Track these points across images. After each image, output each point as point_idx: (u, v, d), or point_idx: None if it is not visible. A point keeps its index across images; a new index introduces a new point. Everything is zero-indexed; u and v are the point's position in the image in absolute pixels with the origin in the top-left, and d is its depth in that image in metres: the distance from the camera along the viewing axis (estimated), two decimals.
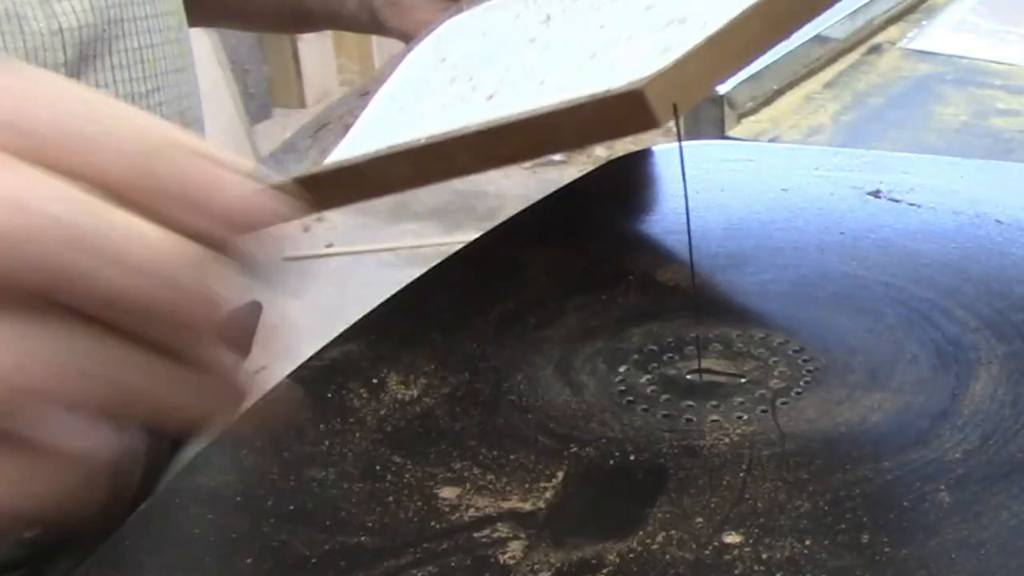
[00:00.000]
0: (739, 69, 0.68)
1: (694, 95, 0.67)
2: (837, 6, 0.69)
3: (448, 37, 0.92)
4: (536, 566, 0.57)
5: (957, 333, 0.69)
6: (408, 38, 0.94)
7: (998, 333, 0.69)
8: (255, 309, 0.59)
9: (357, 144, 0.77)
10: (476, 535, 0.59)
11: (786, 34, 0.68)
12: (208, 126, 1.03)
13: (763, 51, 0.68)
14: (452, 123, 0.72)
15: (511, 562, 0.58)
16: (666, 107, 0.64)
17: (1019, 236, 0.76)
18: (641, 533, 0.59)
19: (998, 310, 0.70)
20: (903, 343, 0.69)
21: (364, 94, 0.87)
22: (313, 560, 0.58)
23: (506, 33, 0.85)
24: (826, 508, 0.59)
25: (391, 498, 0.62)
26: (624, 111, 0.65)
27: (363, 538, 0.60)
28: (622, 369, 0.70)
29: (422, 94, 0.81)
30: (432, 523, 0.60)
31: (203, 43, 3.08)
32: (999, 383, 0.66)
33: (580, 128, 0.67)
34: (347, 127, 0.80)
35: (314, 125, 0.86)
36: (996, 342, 0.68)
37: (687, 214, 0.72)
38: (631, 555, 0.58)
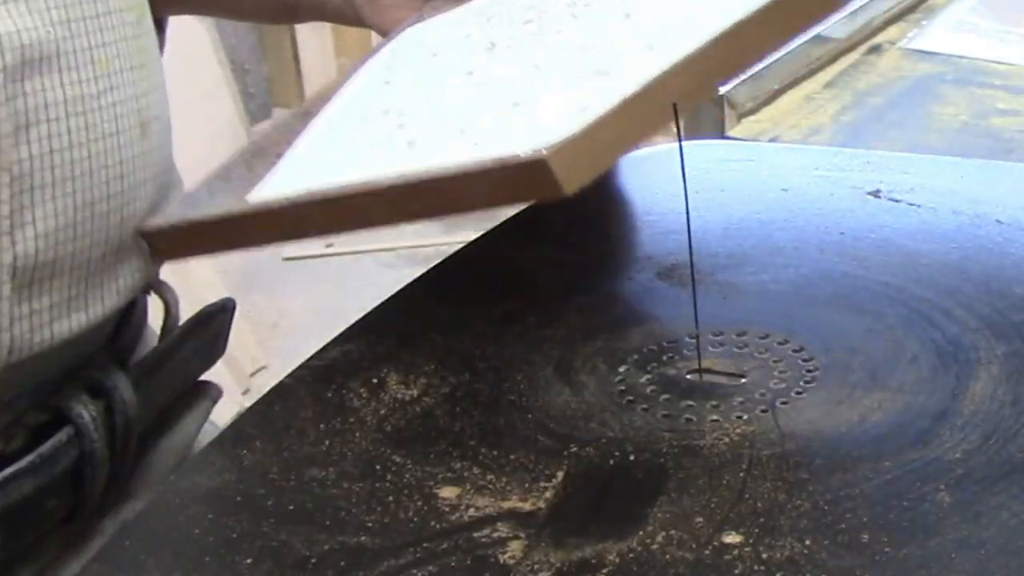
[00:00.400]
0: (656, 131, 0.66)
1: (604, 161, 0.65)
2: None
3: (401, 52, 0.88)
4: (536, 566, 0.57)
5: (957, 333, 0.69)
6: (384, 33, 0.94)
7: (998, 333, 0.69)
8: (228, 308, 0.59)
9: (281, 181, 0.76)
10: (476, 535, 0.59)
11: (704, 93, 0.66)
12: (208, 126, 1.04)
13: (680, 111, 0.65)
14: (370, 171, 0.70)
15: (511, 562, 0.58)
16: (573, 175, 0.62)
17: (1019, 236, 0.76)
18: (641, 533, 0.59)
19: (998, 310, 0.71)
20: (903, 343, 0.69)
21: (306, 114, 0.83)
22: (313, 560, 0.59)
23: (451, 58, 0.82)
24: (826, 508, 0.59)
25: (391, 498, 0.62)
26: (528, 178, 0.63)
27: (363, 538, 0.60)
28: (622, 369, 0.70)
29: (355, 126, 0.79)
30: (432, 523, 0.60)
31: (203, 42, 3.08)
32: (999, 383, 0.66)
33: (487, 191, 0.65)
34: (279, 156, 0.79)
35: (250, 151, 0.84)
36: (996, 342, 0.68)
37: (687, 214, 0.71)
38: (631, 555, 0.58)
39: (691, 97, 0.66)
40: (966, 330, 0.69)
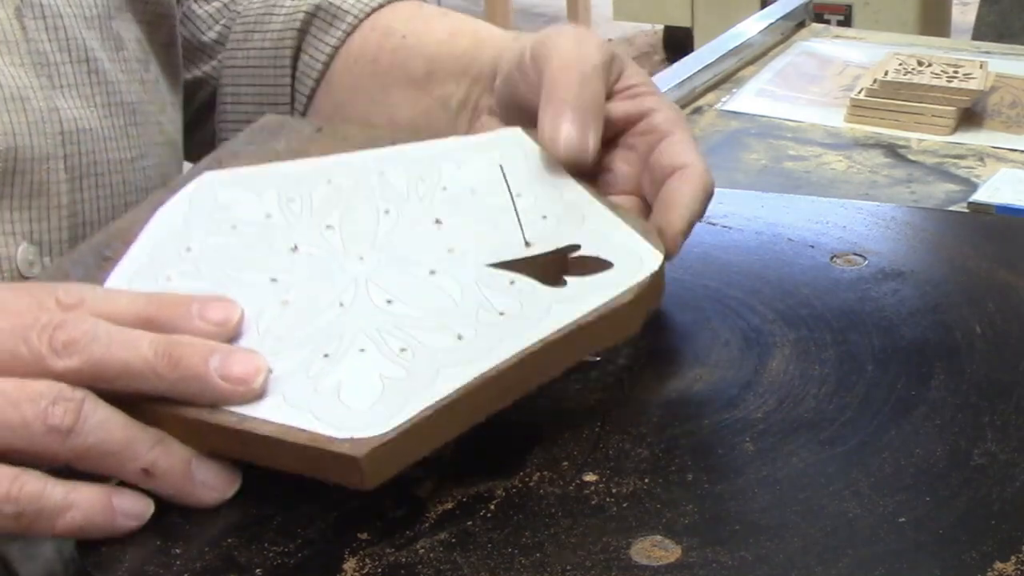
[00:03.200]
0: (463, 430, 0.57)
1: (411, 458, 0.55)
2: (671, 75, 0.68)
3: (199, 208, 0.67)
4: (443, 497, 0.57)
5: (758, 323, 0.70)
6: None
7: (789, 323, 0.69)
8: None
9: None
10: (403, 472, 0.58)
11: (509, 400, 0.58)
12: None
13: (488, 414, 0.57)
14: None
15: (424, 495, 0.57)
16: (380, 472, 0.54)
17: (804, 250, 0.77)
18: (521, 473, 0.59)
19: (789, 306, 0.71)
20: (718, 331, 0.69)
21: (106, 258, 0.64)
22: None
23: (252, 243, 0.65)
24: (660, 455, 0.60)
25: None
26: (337, 464, 0.54)
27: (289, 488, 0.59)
28: None
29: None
30: None
31: None
32: (790, 361, 0.66)
33: (295, 459, 0.55)
34: None
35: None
36: (788, 330, 0.69)
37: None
38: (513, 490, 0.58)
39: (490, 408, 0.57)
40: (765, 321, 0.70)
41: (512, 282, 0.62)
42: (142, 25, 0.84)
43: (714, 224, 0.81)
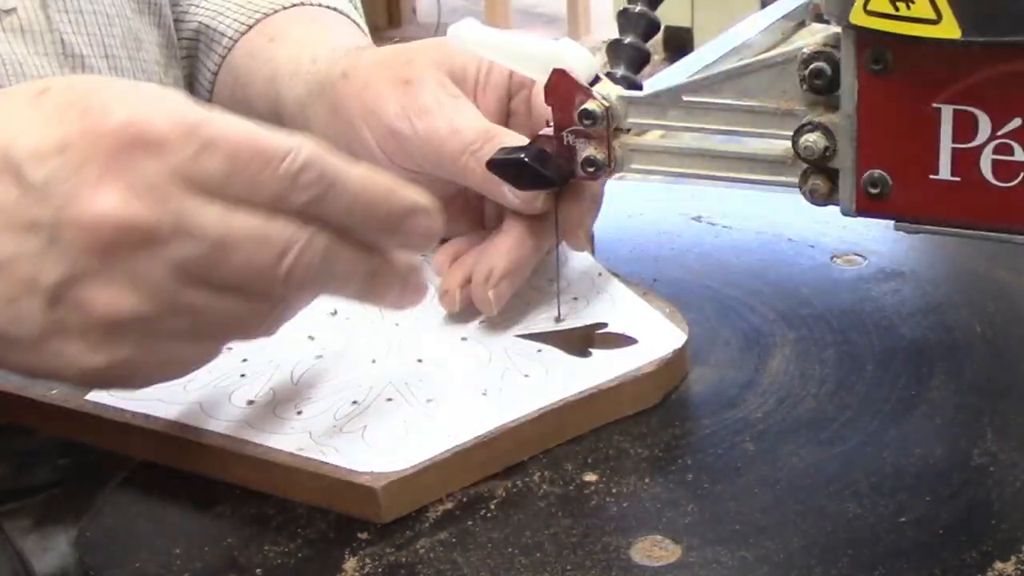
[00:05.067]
0: (479, 477, 0.58)
1: (427, 497, 0.56)
2: (670, 75, 0.68)
3: None
4: (445, 497, 0.57)
5: (759, 323, 0.69)
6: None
7: (789, 323, 0.69)
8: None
9: None
10: None
11: (524, 455, 0.59)
12: None
13: (505, 465, 0.58)
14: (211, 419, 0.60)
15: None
16: (396, 506, 0.55)
17: (804, 250, 0.77)
18: (522, 473, 0.58)
19: (789, 306, 0.71)
20: (718, 330, 0.69)
21: None
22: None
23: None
24: (661, 454, 0.60)
25: None
26: (355, 496, 0.56)
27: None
28: None
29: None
30: None
31: None
32: (790, 361, 0.66)
33: (317, 489, 0.57)
34: None
35: None
36: (788, 330, 0.69)
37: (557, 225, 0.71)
38: (514, 489, 0.57)
39: (517, 456, 0.59)
40: (765, 321, 0.70)
41: (539, 350, 0.65)
42: (161, 30, 0.84)
43: (714, 224, 0.81)
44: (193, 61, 0.88)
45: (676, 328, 0.66)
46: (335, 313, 0.68)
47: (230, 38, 0.86)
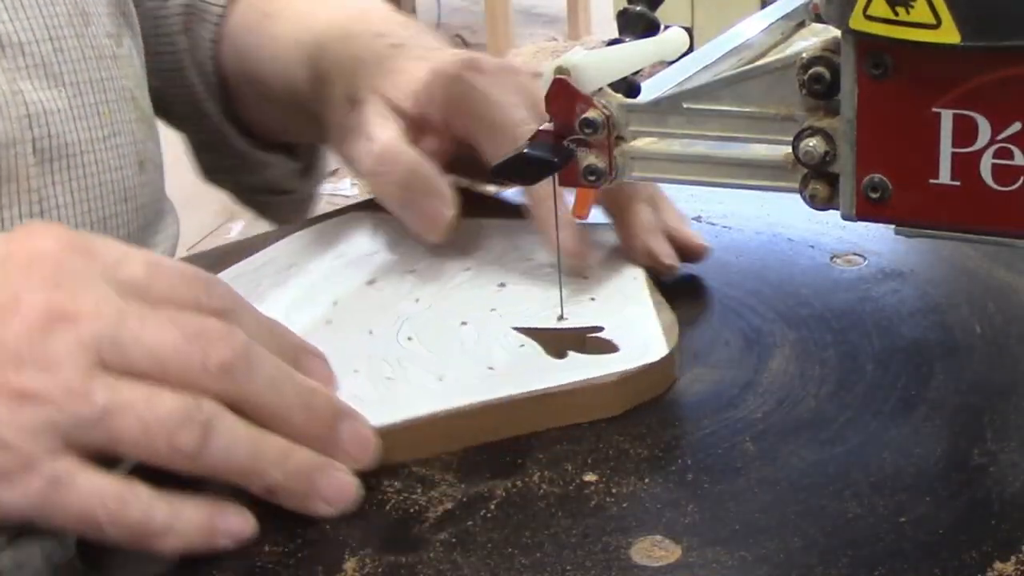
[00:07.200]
0: (409, 457, 0.59)
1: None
2: (671, 75, 0.68)
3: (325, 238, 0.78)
4: (444, 497, 0.57)
5: (759, 323, 0.69)
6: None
7: (789, 323, 0.69)
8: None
9: None
10: (403, 469, 0.59)
11: (456, 446, 0.60)
12: (193, 165, 1.02)
13: (444, 450, 0.60)
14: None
15: (423, 495, 0.57)
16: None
17: (804, 250, 0.77)
18: (522, 474, 0.58)
19: (789, 306, 0.71)
20: (718, 330, 0.69)
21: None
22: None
23: (335, 273, 0.74)
24: (660, 454, 0.60)
25: None
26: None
27: None
28: None
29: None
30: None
31: None
32: (790, 361, 0.66)
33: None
34: None
35: None
36: (788, 330, 0.69)
37: (556, 219, 0.71)
38: (514, 490, 0.58)
39: (461, 442, 0.61)
40: (765, 321, 0.70)
41: (522, 345, 0.66)
42: (109, 3, 0.82)
43: (714, 224, 0.81)
44: (190, 33, 0.90)
45: (662, 342, 0.65)
46: (372, 282, 0.73)
47: (221, 6, 0.89)
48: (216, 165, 1.01)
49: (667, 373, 0.65)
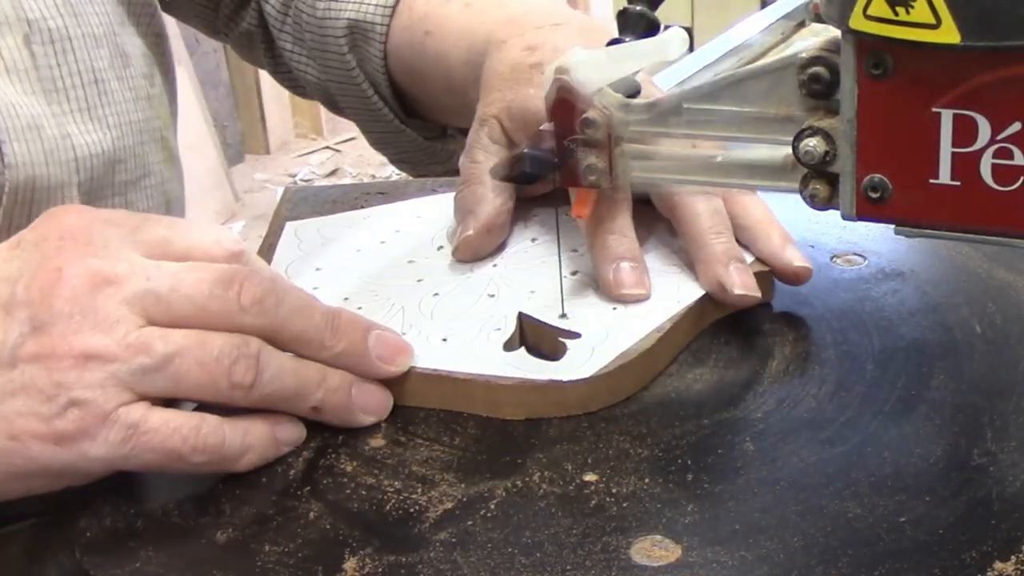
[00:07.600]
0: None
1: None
2: (671, 75, 0.68)
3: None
4: (444, 497, 0.57)
5: (759, 323, 0.69)
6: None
7: (789, 323, 0.69)
8: None
9: None
10: (406, 470, 0.59)
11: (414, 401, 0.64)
12: (197, 166, 1.02)
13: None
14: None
15: (423, 495, 0.57)
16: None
17: (804, 250, 0.76)
18: (522, 474, 0.58)
19: (789, 306, 0.71)
20: (718, 330, 0.69)
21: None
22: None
23: (415, 237, 0.78)
24: (660, 454, 0.59)
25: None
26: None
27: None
28: None
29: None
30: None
31: (192, 105, 3.06)
32: (790, 361, 0.66)
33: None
34: None
35: None
36: (788, 330, 0.69)
37: (557, 225, 0.71)
38: (514, 490, 0.58)
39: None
40: (765, 321, 0.70)
41: (498, 328, 0.67)
42: (145, 38, 0.84)
43: None
44: (357, 51, 0.91)
45: (604, 358, 0.64)
46: (440, 248, 0.76)
47: (382, 25, 0.90)
48: (396, 158, 1.02)
49: (589, 392, 0.63)
